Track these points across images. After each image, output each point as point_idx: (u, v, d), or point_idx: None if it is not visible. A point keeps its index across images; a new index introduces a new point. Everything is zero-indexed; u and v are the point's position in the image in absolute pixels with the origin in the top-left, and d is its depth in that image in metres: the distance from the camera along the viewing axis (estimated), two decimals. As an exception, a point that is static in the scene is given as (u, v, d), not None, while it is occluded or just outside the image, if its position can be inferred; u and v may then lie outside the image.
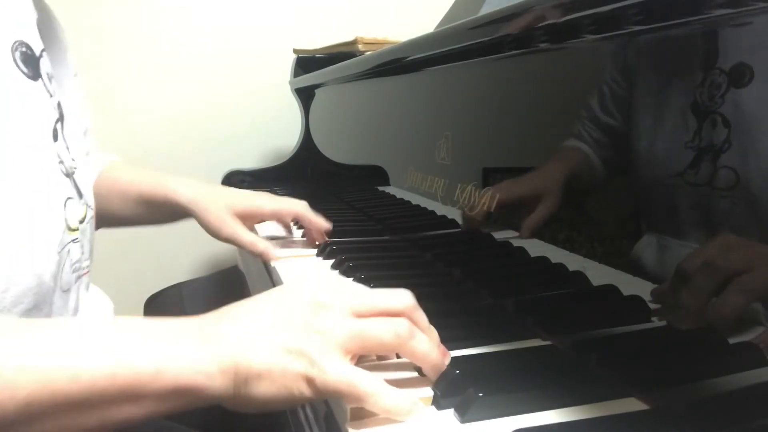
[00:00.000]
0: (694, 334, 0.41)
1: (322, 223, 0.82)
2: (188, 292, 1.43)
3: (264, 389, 0.35)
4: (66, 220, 0.51)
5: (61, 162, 0.52)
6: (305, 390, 0.35)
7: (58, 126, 0.52)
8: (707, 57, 0.39)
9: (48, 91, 0.51)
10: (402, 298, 0.41)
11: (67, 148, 0.54)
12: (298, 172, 1.47)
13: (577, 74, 0.54)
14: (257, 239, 0.79)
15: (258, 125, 1.70)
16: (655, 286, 0.44)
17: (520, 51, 0.60)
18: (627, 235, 0.48)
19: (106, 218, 0.77)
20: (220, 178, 1.44)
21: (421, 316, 0.42)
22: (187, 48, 1.63)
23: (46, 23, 0.58)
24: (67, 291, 0.53)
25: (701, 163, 0.40)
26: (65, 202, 0.51)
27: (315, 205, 1.08)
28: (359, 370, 0.37)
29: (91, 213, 0.58)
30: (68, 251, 0.52)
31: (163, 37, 1.61)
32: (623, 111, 0.48)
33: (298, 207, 0.83)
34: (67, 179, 0.52)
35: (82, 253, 0.56)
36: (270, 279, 0.78)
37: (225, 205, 0.80)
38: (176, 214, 0.84)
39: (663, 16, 0.41)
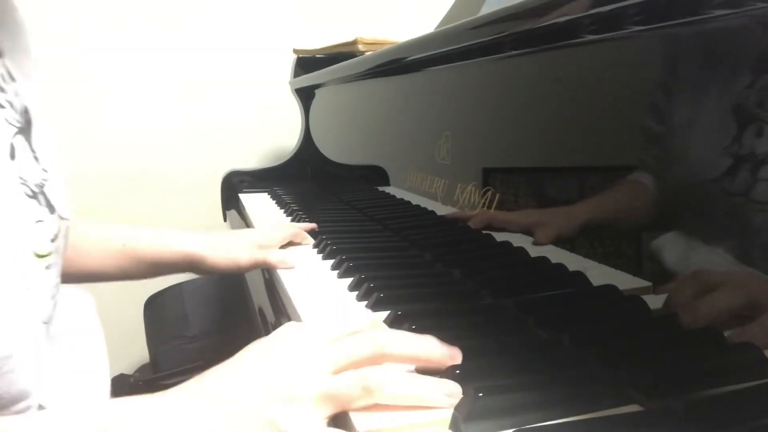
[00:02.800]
0: (694, 334, 0.41)
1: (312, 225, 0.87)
2: (188, 292, 1.43)
3: None
4: (34, 248, 0.46)
5: (24, 183, 0.47)
6: None
7: (19, 139, 0.47)
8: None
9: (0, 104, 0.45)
10: (366, 343, 0.40)
11: (36, 159, 0.50)
12: (298, 172, 1.47)
13: (577, 74, 0.54)
14: (276, 252, 0.80)
15: (258, 125, 1.70)
16: (657, 286, 0.44)
17: (520, 51, 0.60)
18: (627, 236, 0.48)
19: (78, 275, 0.72)
20: (220, 178, 1.44)
21: (397, 348, 0.40)
22: (187, 48, 1.63)
23: (2, 19, 0.53)
24: (47, 322, 0.50)
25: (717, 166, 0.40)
26: (32, 228, 0.47)
27: (315, 205, 1.08)
28: None
29: (65, 225, 0.54)
30: (41, 280, 0.48)
31: (163, 37, 1.61)
32: (623, 111, 0.48)
33: (297, 228, 0.87)
34: (33, 200, 0.47)
35: (57, 276, 0.52)
36: (270, 278, 0.78)
37: (233, 239, 0.82)
38: (173, 267, 0.81)
39: (664, 15, 0.41)
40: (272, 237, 0.84)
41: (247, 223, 1.15)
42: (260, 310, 0.81)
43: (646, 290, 0.45)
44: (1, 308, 0.41)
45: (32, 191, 0.48)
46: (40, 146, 0.52)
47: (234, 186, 1.43)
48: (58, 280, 0.53)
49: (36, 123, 0.52)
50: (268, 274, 0.80)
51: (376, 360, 0.39)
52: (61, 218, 0.53)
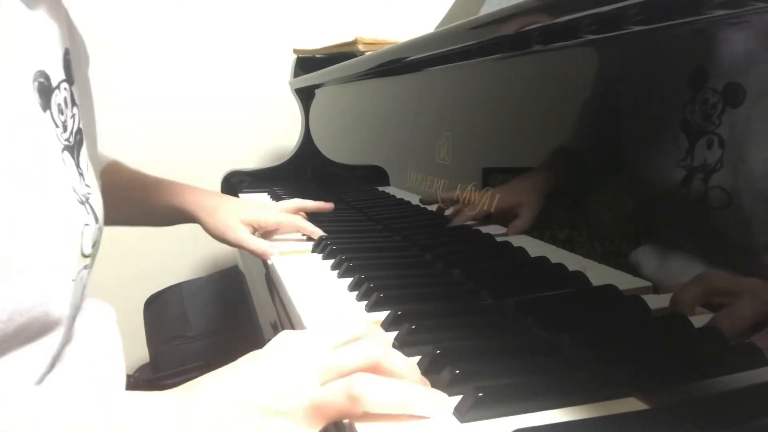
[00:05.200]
0: (694, 334, 0.41)
1: (317, 231, 0.87)
2: (188, 292, 1.43)
3: None
4: (81, 248, 0.51)
5: (74, 190, 0.51)
6: None
7: (66, 155, 0.51)
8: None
9: (54, 122, 0.50)
10: (355, 354, 0.39)
11: (81, 175, 0.53)
12: (298, 172, 1.47)
13: (577, 74, 0.54)
14: (261, 242, 0.84)
15: (258, 125, 1.70)
16: (657, 286, 0.44)
17: (521, 51, 0.60)
18: (627, 236, 0.48)
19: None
20: (220, 178, 1.44)
21: (389, 363, 0.39)
22: (187, 48, 1.63)
23: (75, 53, 0.58)
24: (74, 317, 0.53)
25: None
26: (82, 230, 0.51)
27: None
28: None
29: (101, 235, 0.58)
30: (81, 278, 0.52)
31: (163, 37, 1.61)
32: (624, 111, 0.48)
33: (298, 221, 0.89)
34: (82, 206, 0.52)
35: (89, 276, 0.56)
36: (270, 278, 0.78)
37: (231, 211, 0.86)
38: (178, 219, 0.89)
39: (664, 15, 0.41)
40: (267, 221, 0.88)
41: (247, 223, 1.15)
42: (260, 310, 0.81)
43: (646, 290, 0.45)
44: (55, 277, 0.46)
45: (82, 198, 0.52)
46: (86, 165, 0.56)
47: (234, 186, 1.43)
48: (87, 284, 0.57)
49: (86, 144, 0.56)
50: (268, 273, 0.81)
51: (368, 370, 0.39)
52: (100, 229, 0.57)
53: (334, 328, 0.42)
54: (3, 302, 0.41)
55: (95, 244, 0.55)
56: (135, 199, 0.88)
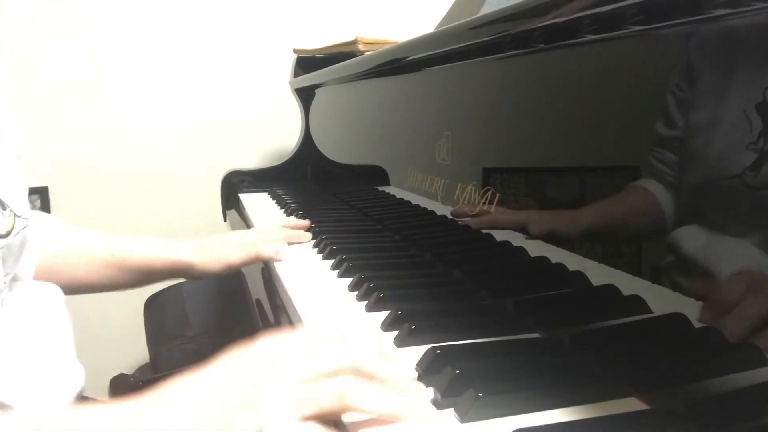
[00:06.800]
0: (694, 334, 0.41)
1: (306, 223, 0.87)
2: (188, 292, 1.43)
3: None
4: None
5: None
6: None
7: None
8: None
9: None
10: (338, 356, 0.39)
11: None
12: (298, 172, 1.47)
13: (577, 74, 0.54)
14: (269, 244, 0.81)
15: (258, 125, 1.70)
16: (656, 286, 0.44)
17: (521, 51, 0.60)
18: (627, 236, 0.48)
19: (66, 287, 0.73)
20: (220, 178, 1.44)
21: (370, 367, 0.39)
22: (187, 48, 1.63)
23: None
24: None
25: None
26: None
27: (315, 205, 1.08)
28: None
29: (23, 223, 0.55)
30: None
31: (163, 37, 1.61)
32: (623, 111, 0.48)
33: (290, 236, 0.86)
34: None
35: (6, 272, 0.54)
36: (270, 278, 0.78)
37: (217, 240, 0.83)
38: (161, 275, 0.83)
39: (664, 15, 0.41)
40: (266, 236, 0.84)
41: (247, 223, 1.15)
42: (260, 310, 0.81)
43: (646, 290, 0.45)
44: None
45: None
46: None
47: (234, 186, 1.43)
48: (7, 278, 0.54)
49: None
50: (268, 273, 0.81)
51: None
52: (17, 216, 0.54)
53: (315, 330, 0.42)
54: None
55: (7, 234, 0.52)
56: (103, 262, 0.79)
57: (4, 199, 0.53)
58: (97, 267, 0.78)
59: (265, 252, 0.79)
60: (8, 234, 0.52)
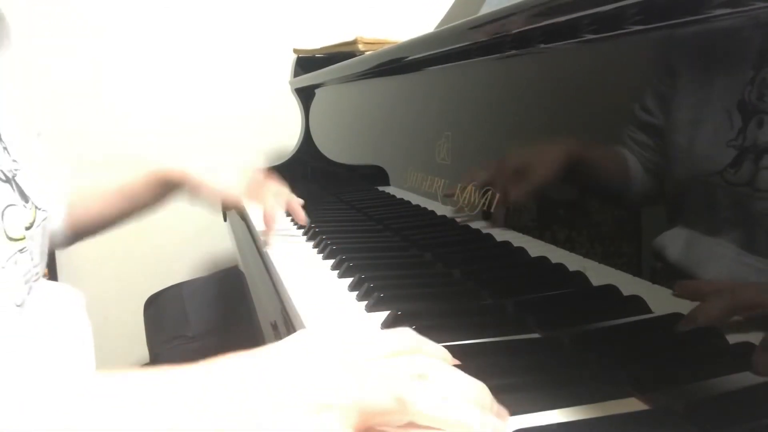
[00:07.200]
0: (694, 334, 0.41)
1: (305, 219, 0.87)
2: (188, 292, 1.43)
3: None
4: (5, 231, 0.47)
5: None
6: None
7: None
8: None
9: None
10: (407, 365, 0.34)
11: (5, 149, 0.51)
12: (298, 172, 1.47)
13: (577, 74, 0.54)
14: (274, 203, 0.81)
15: (258, 125, 1.70)
16: (656, 286, 0.44)
17: (520, 51, 0.60)
18: (627, 235, 0.48)
19: (89, 229, 0.75)
20: (220, 177, 1.44)
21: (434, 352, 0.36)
22: (187, 48, 1.64)
23: None
24: (20, 305, 0.50)
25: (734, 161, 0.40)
26: (3, 210, 0.48)
27: (315, 205, 1.08)
28: None
29: (42, 215, 0.54)
30: (15, 262, 0.49)
31: (163, 37, 1.61)
32: (623, 111, 0.48)
33: (294, 202, 0.87)
34: (6, 184, 0.49)
35: (32, 259, 0.53)
36: (270, 278, 0.78)
37: (232, 170, 0.84)
38: (165, 191, 0.86)
39: (663, 15, 0.41)
40: (274, 188, 0.87)
41: (247, 223, 1.15)
42: (260, 310, 0.81)
43: (646, 290, 0.45)
44: None
45: (5, 176, 0.49)
46: (10, 140, 0.53)
47: (234, 186, 1.43)
48: (36, 269, 0.54)
49: (5, 118, 0.53)
50: (267, 271, 0.80)
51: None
52: (37, 208, 0.54)
53: (391, 339, 0.37)
54: None
55: (31, 226, 0.52)
56: (113, 193, 0.85)
57: (26, 192, 0.53)
58: (110, 200, 0.84)
59: (268, 202, 0.79)
60: (31, 226, 0.52)
